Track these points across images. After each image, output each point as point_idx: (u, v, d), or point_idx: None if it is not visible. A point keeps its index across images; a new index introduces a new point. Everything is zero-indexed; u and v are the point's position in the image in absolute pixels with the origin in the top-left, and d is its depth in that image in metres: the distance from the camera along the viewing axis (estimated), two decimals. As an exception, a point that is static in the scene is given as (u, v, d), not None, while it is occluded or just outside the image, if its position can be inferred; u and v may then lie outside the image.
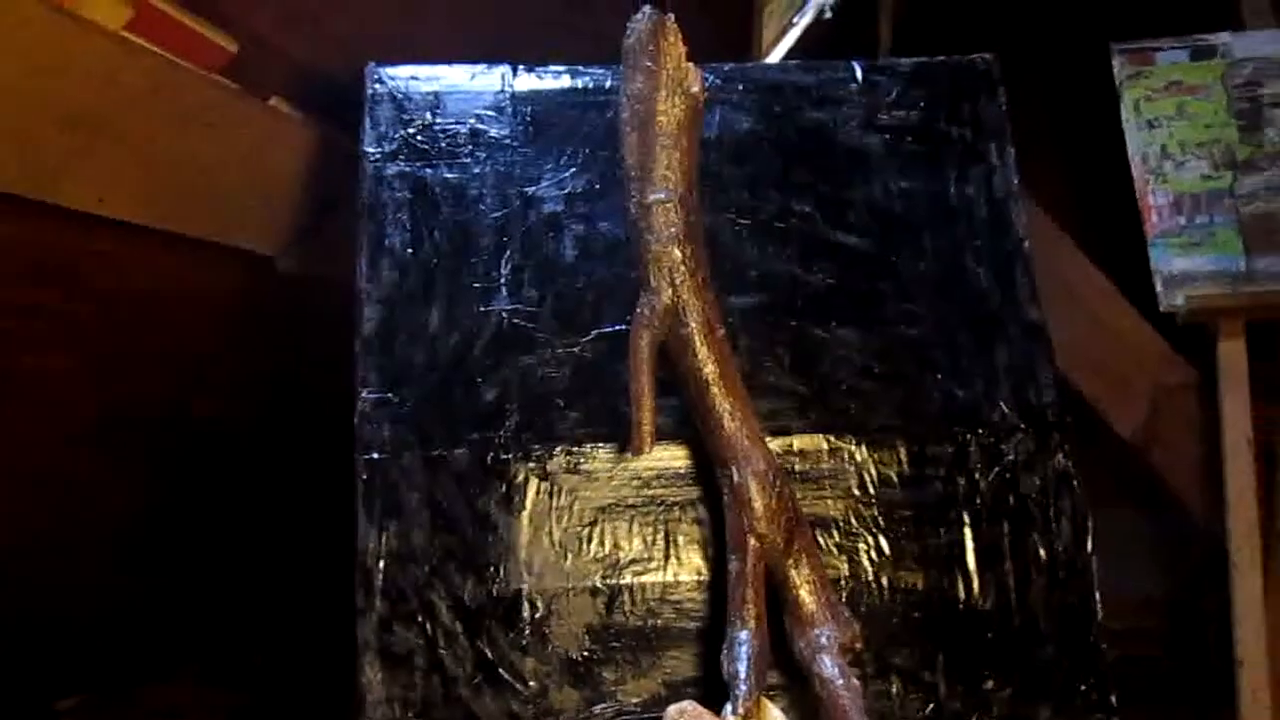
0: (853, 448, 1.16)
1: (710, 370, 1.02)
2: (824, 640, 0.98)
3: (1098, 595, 1.13)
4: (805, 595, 1.00)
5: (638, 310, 1.04)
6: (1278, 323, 1.88)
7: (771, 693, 1.03)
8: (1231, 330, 1.84)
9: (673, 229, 1.02)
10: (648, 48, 1.04)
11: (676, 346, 1.04)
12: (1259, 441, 1.85)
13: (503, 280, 1.19)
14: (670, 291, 1.02)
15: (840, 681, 0.95)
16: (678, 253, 1.02)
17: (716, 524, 1.13)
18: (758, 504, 1.00)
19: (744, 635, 0.98)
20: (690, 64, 1.05)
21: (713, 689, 1.07)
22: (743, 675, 0.96)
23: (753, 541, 1.00)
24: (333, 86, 1.53)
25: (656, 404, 1.05)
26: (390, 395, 1.14)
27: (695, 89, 1.04)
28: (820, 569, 1.00)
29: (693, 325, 1.02)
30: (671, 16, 1.05)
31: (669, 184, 1.03)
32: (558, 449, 1.14)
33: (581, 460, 1.14)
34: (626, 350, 1.17)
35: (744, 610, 0.99)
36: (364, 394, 1.14)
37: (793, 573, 1.00)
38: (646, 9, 1.06)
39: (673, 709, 1.00)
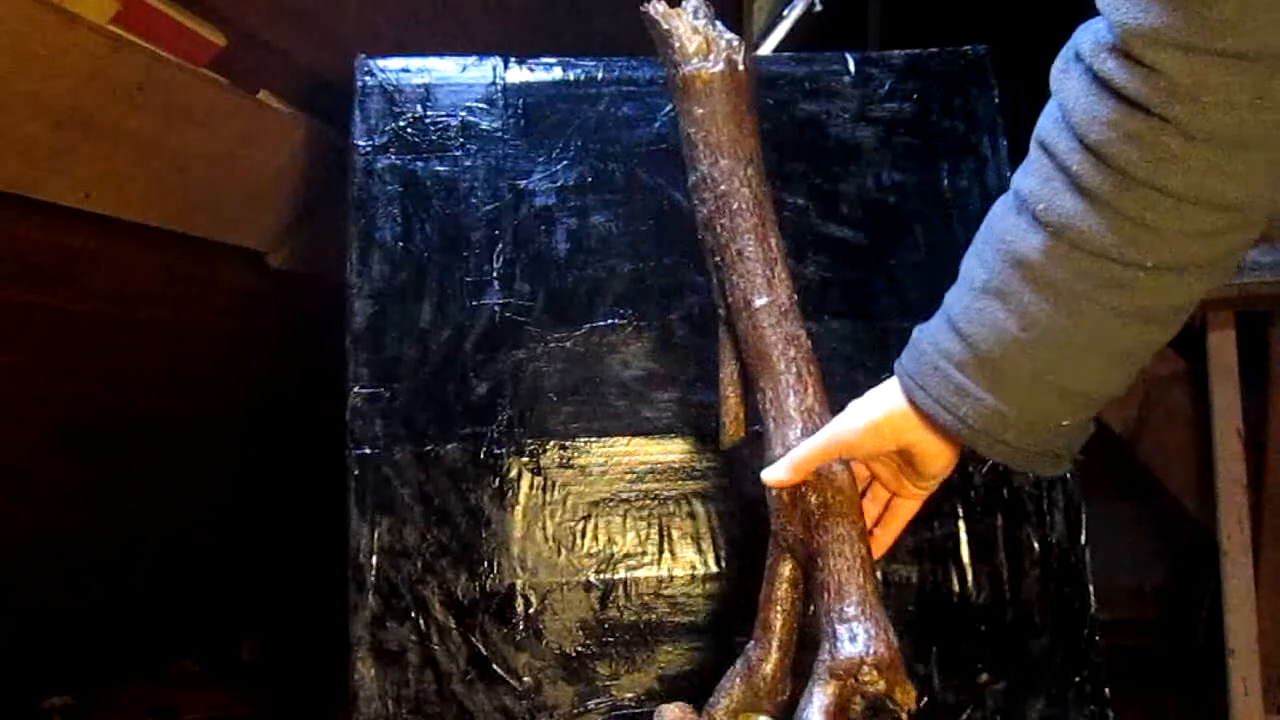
0: (846, 441, 1.16)
1: (744, 350, 0.91)
2: (817, 662, 0.78)
3: (1091, 588, 1.13)
4: (819, 602, 0.80)
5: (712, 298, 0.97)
6: (1266, 314, 1.89)
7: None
8: (1221, 321, 1.85)
9: (701, 210, 0.94)
10: (657, 42, 0.98)
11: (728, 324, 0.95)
12: (1248, 432, 1.85)
13: (494, 274, 1.18)
14: (713, 275, 0.94)
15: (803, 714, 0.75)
16: (709, 236, 0.94)
17: (710, 519, 1.13)
18: (774, 492, 0.84)
19: (749, 645, 0.86)
20: (710, 39, 0.97)
21: (708, 684, 1.07)
22: (716, 689, 0.86)
23: (772, 537, 0.86)
24: (322, 80, 1.52)
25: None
26: (382, 390, 1.14)
27: (709, 66, 0.93)
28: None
29: (729, 301, 0.93)
30: (660, 4, 1.00)
31: (694, 164, 0.94)
32: (550, 443, 1.14)
33: (574, 455, 1.14)
34: (622, 344, 1.18)
35: (758, 617, 0.86)
36: (355, 389, 1.14)
37: (815, 574, 0.82)
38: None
39: (655, 713, 0.95)
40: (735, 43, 0.95)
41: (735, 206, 0.92)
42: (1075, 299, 0.67)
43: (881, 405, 0.79)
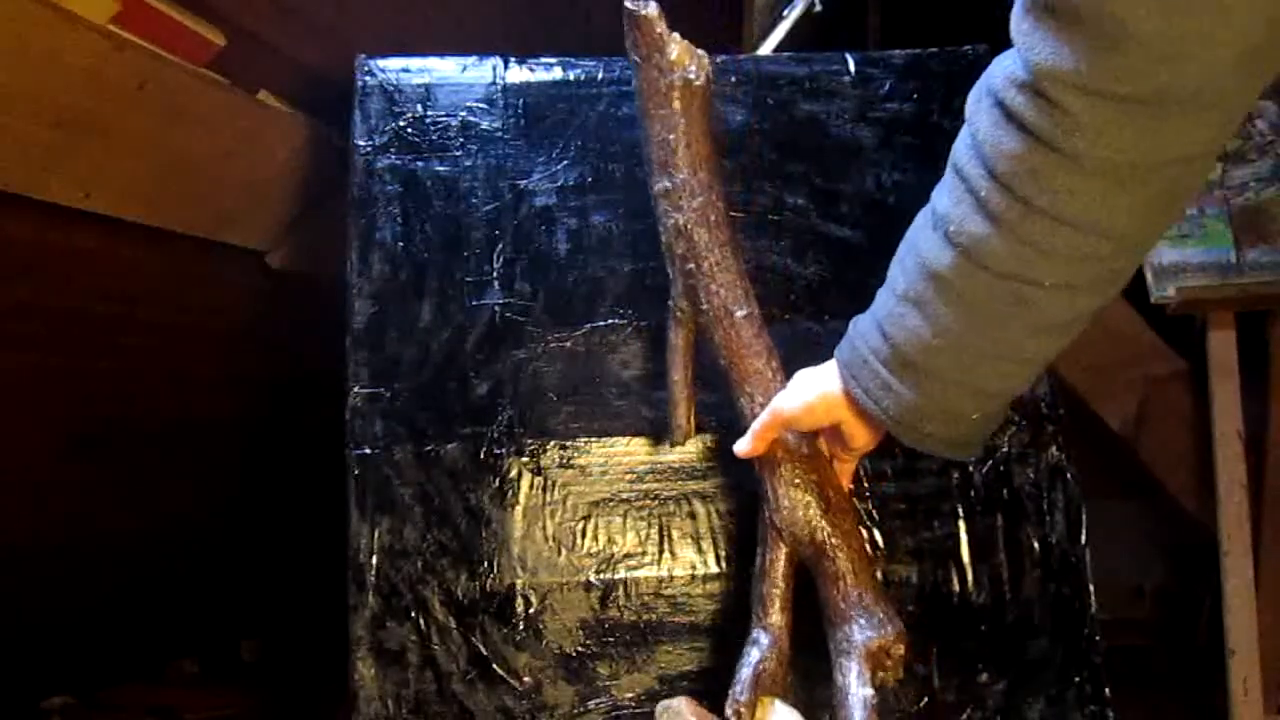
0: (846, 441, 1.16)
1: (724, 356, 0.98)
2: (846, 643, 0.87)
3: (1091, 588, 1.13)
4: (833, 591, 0.89)
5: (669, 302, 1.04)
6: (1267, 314, 1.89)
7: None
8: (1221, 321, 1.85)
9: (675, 216, 0.99)
10: (631, 44, 1.02)
11: (703, 333, 1.01)
12: (1248, 432, 1.86)
13: (495, 274, 1.18)
14: (682, 281, 1.00)
15: (851, 692, 0.84)
16: (682, 243, 0.99)
17: (710, 519, 1.12)
18: (781, 490, 0.93)
19: (756, 634, 0.92)
20: (689, 50, 1.01)
21: (708, 683, 1.07)
22: (739, 678, 0.90)
23: (773, 532, 0.93)
24: (322, 80, 1.52)
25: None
26: (382, 390, 1.14)
27: (692, 77, 1.00)
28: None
29: (707, 310, 0.99)
30: (653, 5, 1.02)
31: (669, 170, 1.00)
32: (551, 443, 1.14)
33: (575, 455, 1.14)
34: (622, 344, 1.18)
35: (760, 608, 0.92)
36: (355, 389, 1.14)
37: (825, 565, 0.90)
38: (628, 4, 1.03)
39: (660, 706, 0.97)
40: (706, 59, 1.01)
41: (713, 219, 0.99)
42: (982, 312, 0.75)
43: (819, 387, 0.89)
